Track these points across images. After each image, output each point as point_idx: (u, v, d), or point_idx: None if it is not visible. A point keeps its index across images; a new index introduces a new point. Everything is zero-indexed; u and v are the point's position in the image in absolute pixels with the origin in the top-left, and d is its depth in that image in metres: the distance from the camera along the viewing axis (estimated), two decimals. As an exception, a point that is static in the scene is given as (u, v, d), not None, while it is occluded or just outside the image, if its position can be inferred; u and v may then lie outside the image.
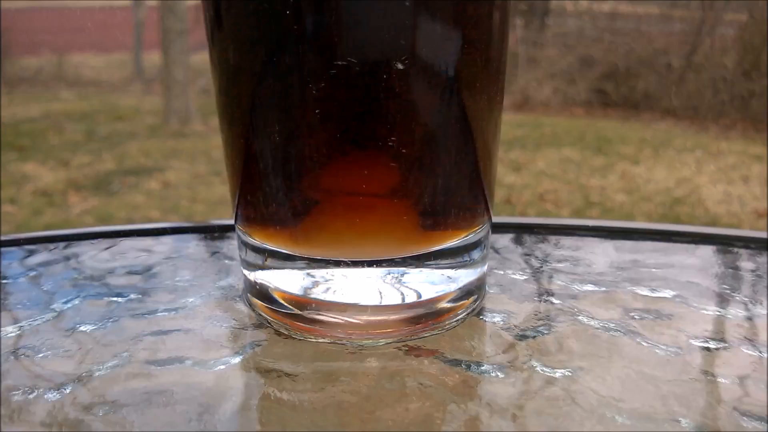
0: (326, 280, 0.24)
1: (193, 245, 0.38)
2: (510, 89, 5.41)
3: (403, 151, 0.23)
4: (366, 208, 0.23)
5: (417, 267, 0.24)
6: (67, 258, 0.36)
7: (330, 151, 0.22)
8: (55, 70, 5.32)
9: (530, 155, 3.38)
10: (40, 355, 0.26)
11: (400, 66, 0.21)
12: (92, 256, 0.36)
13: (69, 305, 0.30)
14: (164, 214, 2.31)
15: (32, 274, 0.34)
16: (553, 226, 0.38)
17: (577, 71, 5.68)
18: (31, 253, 0.37)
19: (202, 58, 5.66)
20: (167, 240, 0.38)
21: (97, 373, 0.25)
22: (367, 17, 0.21)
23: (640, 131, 4.86)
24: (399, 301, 0.24)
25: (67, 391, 0.24)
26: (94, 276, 0.33)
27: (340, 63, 0.21)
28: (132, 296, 0.31)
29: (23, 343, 0.28)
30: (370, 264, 0.24)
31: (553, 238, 0.38)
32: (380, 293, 0.24)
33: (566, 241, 0.38)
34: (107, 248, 0.37)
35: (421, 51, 0.22)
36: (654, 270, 0.35)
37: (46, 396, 0.24)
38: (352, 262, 0.24)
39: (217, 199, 2.54)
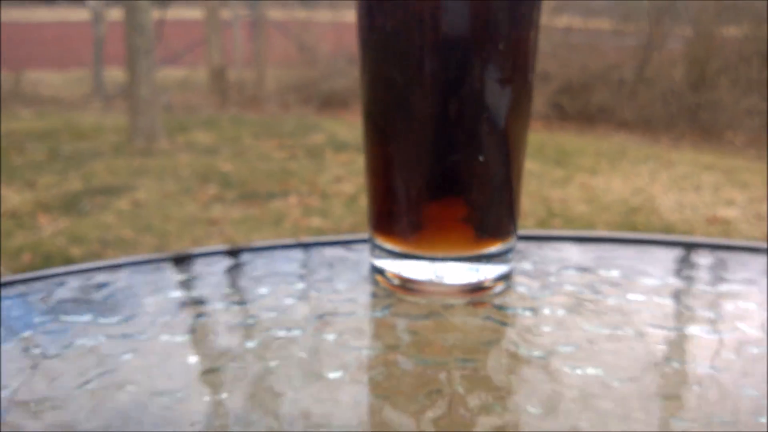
0: (435, 269, 0.34)
1: (324, 256, 0.41)
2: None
3: (481, 194, 0.33)
4: (463, 226, 0.34)
5: (487, 262, 0.35)
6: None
7: (441, 188, 0.33)
8: (12, 87, 5.22)
9: (494, 169, 3.47)
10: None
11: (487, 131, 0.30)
12: (212, 272, 0.39)
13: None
14: (138, 234, 2.32)
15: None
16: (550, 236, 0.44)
17: (534, 86, 5.87)
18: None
19: (164, 75, 5.63)
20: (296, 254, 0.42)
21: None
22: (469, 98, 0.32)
23: (596, 143, 5.04)
24: (476, 280, 0.35)
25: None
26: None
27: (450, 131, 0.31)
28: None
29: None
30: (460, 260, 0.34)
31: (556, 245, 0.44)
32: (469, 276, 0.35)
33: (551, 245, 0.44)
34: (230, 268, 0.40)
35: (496, 123, 0.32)
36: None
37: None
38: (451, 258, 0.34)
39: (189, 218, 2.55)
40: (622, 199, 3.17)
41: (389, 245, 0.35)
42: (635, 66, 6.18)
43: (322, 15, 6.99)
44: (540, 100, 5.79)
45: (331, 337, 0.30)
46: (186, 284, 0.38)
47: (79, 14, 6.88)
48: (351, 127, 4.70)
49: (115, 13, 6.02)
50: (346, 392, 0.26)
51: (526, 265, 0.39)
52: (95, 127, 4.43)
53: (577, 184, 3.45)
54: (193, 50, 6.94)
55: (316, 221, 2.59)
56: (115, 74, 6.23)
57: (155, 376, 0.27)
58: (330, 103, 5.80)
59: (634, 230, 2.72)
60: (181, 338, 0.31)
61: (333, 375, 0.27)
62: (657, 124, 5.67)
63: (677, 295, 0.36)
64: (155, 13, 4.50)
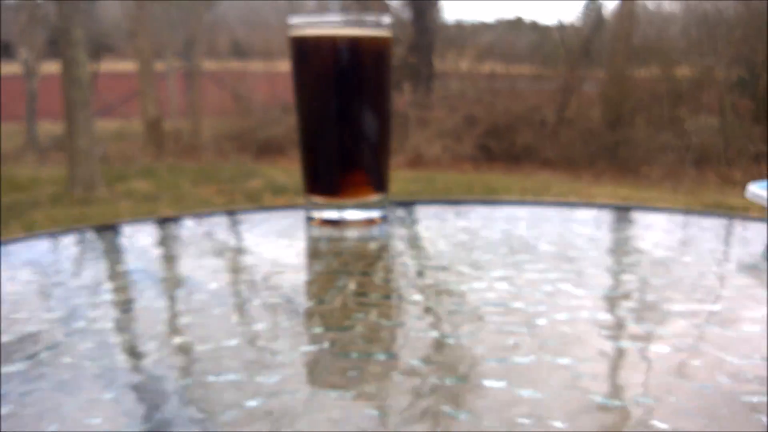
0: (343, 212, 0.56)
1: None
2: (403, 148, 5.78)
3: (366, 152, 0.55)
4: (358, 187, 0.55)
5: (375, 207, 0.56)
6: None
7: (344, 166, 0.55)
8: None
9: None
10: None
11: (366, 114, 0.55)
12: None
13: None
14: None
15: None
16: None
17: (462, 130, 6.17)
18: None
19: (98, 126, 5.63)
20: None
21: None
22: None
23: (522, 181, 5.30)
24: (367, 217, 0.56)
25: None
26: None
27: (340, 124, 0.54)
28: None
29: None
30: (355, 206, 0.56)
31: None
32: (362, 214, 0.56)
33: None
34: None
35: (365, 105, 0.55)
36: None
37: None
38: (351, 206, 0.56)
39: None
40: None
41: (316, 200, 0.56)
42: (555, 108, 6.56)
43: (256, 66, 7.13)
44: (469, 142, 6.08)
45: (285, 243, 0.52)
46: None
47: (8, 68, 6.79)
48: (288, 172, 4.84)
49: (47, 68, 6.01)
50: (290, 276, 0.44)
51: (400, 213, 0.61)
52: (31, 179, 4.42)
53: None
54: (127, 102, 6.96)
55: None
56: (48, 128, 6.18)
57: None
58: (267, 150, 5.91)
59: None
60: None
61: (289, 260, 0.47)
62: (578, 162, 5.99)
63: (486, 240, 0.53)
64: (89, 66, 4.57)
